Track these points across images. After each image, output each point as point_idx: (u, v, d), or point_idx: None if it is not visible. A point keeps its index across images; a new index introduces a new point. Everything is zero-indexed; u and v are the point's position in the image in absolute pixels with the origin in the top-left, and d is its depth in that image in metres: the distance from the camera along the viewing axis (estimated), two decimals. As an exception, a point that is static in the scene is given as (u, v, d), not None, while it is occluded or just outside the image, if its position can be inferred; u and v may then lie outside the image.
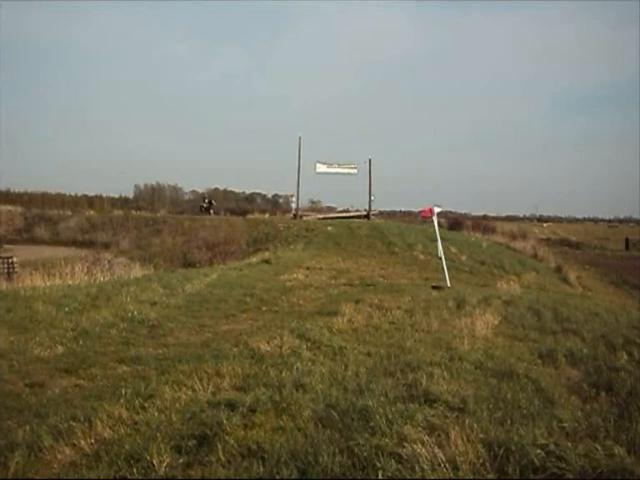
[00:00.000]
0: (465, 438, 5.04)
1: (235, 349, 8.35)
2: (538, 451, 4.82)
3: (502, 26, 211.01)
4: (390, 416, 5.44)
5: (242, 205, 79.51)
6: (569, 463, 4.68)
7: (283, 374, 6.97)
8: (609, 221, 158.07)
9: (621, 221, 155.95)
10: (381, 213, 52.00)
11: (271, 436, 5.16)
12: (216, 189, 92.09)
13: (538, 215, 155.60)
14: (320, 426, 5.36)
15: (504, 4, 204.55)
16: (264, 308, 13.04)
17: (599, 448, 4.98)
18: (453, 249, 28.91)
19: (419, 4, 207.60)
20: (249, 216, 51.68)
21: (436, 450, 4.73)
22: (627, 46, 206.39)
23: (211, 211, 51.77)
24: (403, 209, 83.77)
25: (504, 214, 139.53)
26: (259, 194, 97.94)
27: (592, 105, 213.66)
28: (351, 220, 41.00)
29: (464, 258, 27.87)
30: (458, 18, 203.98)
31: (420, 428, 5.25)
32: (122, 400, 6.08)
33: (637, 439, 5.34)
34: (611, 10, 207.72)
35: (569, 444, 5.04)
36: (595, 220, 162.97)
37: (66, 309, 11.16)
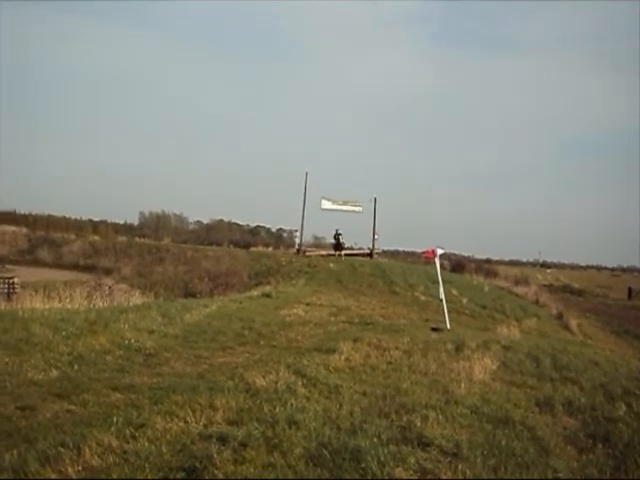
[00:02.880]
0: (457, 484, 4.98)
1: (230, 382, 8.29)
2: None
3: (508, 71, 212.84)
4: (382, 458, 5.38)
5: (246, 237, 79.71)
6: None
7: (277, 410, 6.90)
8: (612, 269, 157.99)
9: (624, 270, 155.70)
10: (384, 252, 51.96)
11: (260, 472, 5.10)
12: (221, 220, 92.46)
13: (541, 261, 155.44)
14: (311, 464, 5.30)
15: (511, 50, 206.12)
16: (262, 342, 12.99)
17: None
18: (454, 291, 28.84)
19: (427, 50, 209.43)
20: (252, 249, 51.73)
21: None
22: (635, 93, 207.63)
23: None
24: (406, 249, 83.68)
25: (507, 258, 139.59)
26: (263, 227, 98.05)
27: (598, 152, 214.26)
28: (354, 258, 40.99)
29: (465, 301, 27.78)
30: (467, 63, 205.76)
31: (412, 471, 5.20)
32: (113, 428, 6.03)
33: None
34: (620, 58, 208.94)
35: None
36: (598, 268, 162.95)
37: (63, 333, 11.11)
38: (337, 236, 42.39)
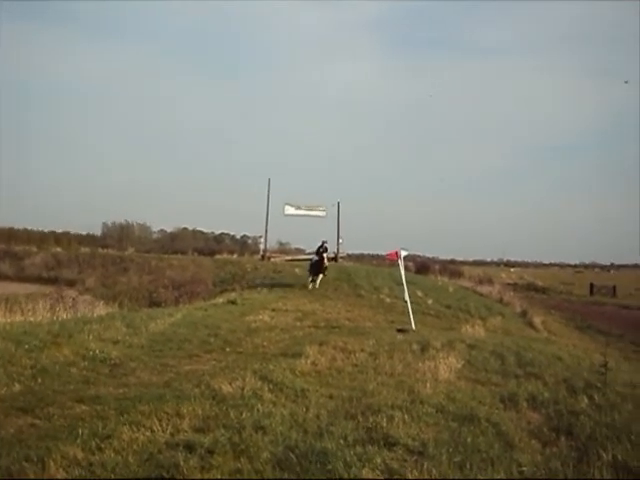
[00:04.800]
0: (423, 482, 5.04)
1: (196, 390, 8.26)
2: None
3: (475, 75, 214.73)
4: (348, 459, 5.43)
5: (211, 245, 79.23)
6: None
7: (243, 415, 6.91)
8: (575, 266, 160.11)
9: (586, 266, 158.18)
10: (349, 256, 52.00)
11: (228, 478, 5.11)
12: (185, 229, 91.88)
13: (505, 260, 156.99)
14: (278, 469, 5.32)
15: (479, 54, 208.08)
16: (228, 349, 12.96)
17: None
18: (419, 293, 29.00)
19: (392, 55, 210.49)
20: (217, 256, 51.53)
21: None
22: (596, 99, 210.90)
23: None
24: (371, 252, 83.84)
25: (472, 258, 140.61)
26: (228, 235, 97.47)
27: (563, 154, 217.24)
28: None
29: (430, 302, 27.95)
30: (433, 67, 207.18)
31: (378, 472, 5.25)
32: (78, 440, 5.97)
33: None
34: (589, 62, 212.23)
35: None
36: (561, 265, 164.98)
37: (26, 346, 10.95)
38: (323, 248, 30.68)
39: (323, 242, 31.14)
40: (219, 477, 5.13)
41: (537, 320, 31.32)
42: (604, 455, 6.13)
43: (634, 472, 5.76)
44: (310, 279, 29.95)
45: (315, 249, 31.68)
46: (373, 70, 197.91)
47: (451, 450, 5.99)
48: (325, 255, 30.23)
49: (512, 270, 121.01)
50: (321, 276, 29.88)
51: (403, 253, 18.29)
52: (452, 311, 27.09)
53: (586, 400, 8.53)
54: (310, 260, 31.59)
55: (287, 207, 44.71)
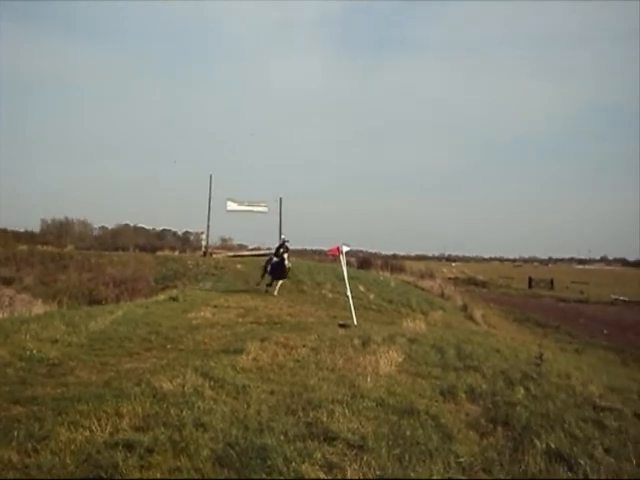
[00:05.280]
0: (362, 475, 5.10)
1: (137, 388, 8.16)
2: (434, 487, 4.94)
3: (416, 72, 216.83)
4: (288, 454, 5.46)
5: (152, 241, 78.24)
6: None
7: (184, 413, 6.87)
8: (514, 260, 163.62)
9: (526, 260, 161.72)
10: (291, 252, 52.08)
11: (167, 477, 5.09)
12: (126, 225, 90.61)
13: (447, 255, 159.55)
14: (217, 466, 5.32)
15: (419, 51, 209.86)
16: (169, 346, 12.84)
17: (492, 483, 5.15)
18: (361, 288, 29.20)
19: (334, 52, 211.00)
20: (159, 253, 50.90)
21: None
22: (536, 100, 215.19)
23: None
24: (314, 248, 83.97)
25: (414, 253, 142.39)
26: (170, 231, 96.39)
27: (505, 152, 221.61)
28: (261, 258, 41.00)
29: (372, 296, 28.15)
30: (373, 64, 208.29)
31: (318, 466, 5.29)
32: (13, 443, 5.86)
33: (529, 471, 5.53)
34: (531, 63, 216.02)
35: (464, 479, 5.18)
36: (501, 260, 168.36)
37: (-40, 348, 10.73)
38: (284, 247, 26.57)
39: (284, 240, 27.43)
40: (158, 476, 5.11)
41: (477, 313, 31.89)
42: (538, 444, 6.32)
43: (566, 459, 5.93)
44: (266, 283, 26.39)
45: (274, 248, 29.05)
46: (318, 68, 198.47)
47: (390, 443, 6.08)
48: (287, 255, 26.22)
49: (453, 265, 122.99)
50: (281, 281, 26.08)
51: (345, 248, 18.39)
52: (394, 306, 27.33)
53: (522, 391, 8.78)
54: (267, 261, 27.44)
55: (229, 203, 44.62)
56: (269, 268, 26.52)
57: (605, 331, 34.63)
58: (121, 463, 5.27)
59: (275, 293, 25.40)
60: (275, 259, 26.55)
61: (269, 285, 26.16)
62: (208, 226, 44.92)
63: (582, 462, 5.86)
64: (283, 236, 28.37)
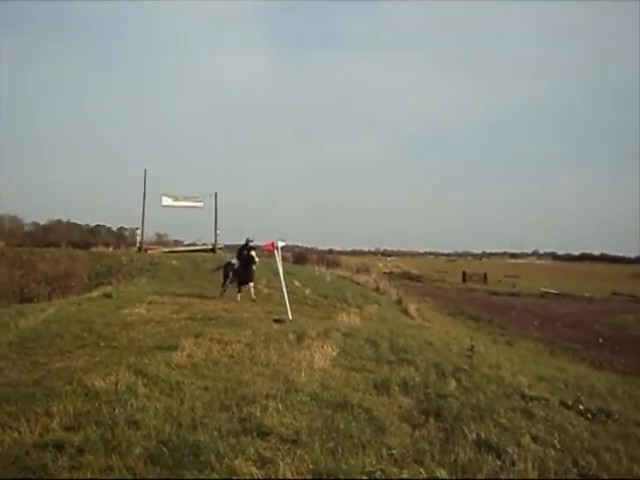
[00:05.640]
0: (295, 470, 5.14)
1: (68, 387, 8.03)
2: (365, 478, 5.00)
3: (348, 68, 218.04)
4: (221, 450, 5.47)
5: (86, 237, 76.91)
6: (393, 488, 4.90)
7: (116, 411, 6.80)
8: (448, 255, 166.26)
9: (460, 255, 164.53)
10: (227, 247, 51.84)
11: (98, 477, 5.04)
12: (59, 221, 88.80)
13: (382, 249, 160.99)
14: (150, 464, 5.30)
15: (351, 48, 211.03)
16: (102, 343, 12.66)
17: (423, 472, 5.25)
18: (297, 283, 29.27)
19: (266, 48, 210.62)
20: (93, 249, 50.04)
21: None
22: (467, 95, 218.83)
23: None
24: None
25: (350, 248, 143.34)
26: (104, 226, 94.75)
27: (433, 146, 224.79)
28: (197, 254, 40.74)
29: (308, 291, 28.23)
30: (306, 60, 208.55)
31: (251, 461, 5.31)
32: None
33: (459, 461, 5.65)
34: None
35: (395, 470, 5.26)
36: (436, 254, 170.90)
37: None
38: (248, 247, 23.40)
39: (248, 240, 23.76)
40: (89, 476, 5.05)
41: (412, 307, 32.25)
42: (468, 434, 6.46)
43: (495, 448, 6.08)
44: (222, 284, 23.84)
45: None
46: (248, 63, 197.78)
47: (324, 437, 6.13)
48: (254, 254, 23.08)
49: (389, 259, 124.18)
50: (252, 284, 23.25)
51: (280, 244, 18.43)
52: (329, 300, 27.44)
53: (454, 383, 8.96)
54: (226, 265, 24.42)
55: (164, 198, 44.15)
56: (230, 274, 23.61)
57: (535, 323, 35.50)
58: (50, 464, 5.19)
59: (253, 297, 22.54)
60: (234, 262, 23.81)
61: (223, 286, 23.65)
62: (143, 221, 44.33)
63: (510, 450, 6.02)
64: (248, 236, 24.19)
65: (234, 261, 23.86)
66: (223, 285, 23.81)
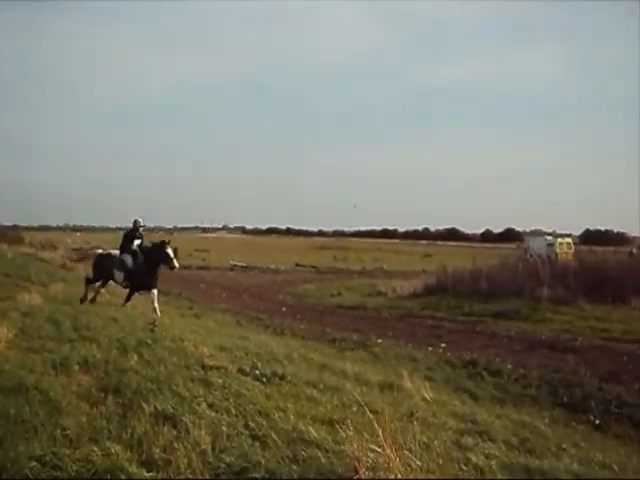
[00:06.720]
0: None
1: None
2: (33, 464, 4.91)
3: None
4: None
5: None
6: (64, 470, 4.86)
7: None
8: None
9: (152, 230, 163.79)
10: None
11: None
12: None
13: (72, 225, 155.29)
14: None
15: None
16: None
17: (97, 450, 5.24)
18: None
19: None
20: None
21: None
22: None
23: None
24: None
25: (37, 224, 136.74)
26: None
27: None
28: None
29: (-15, 271, 26.50)
30: None
31: None
32: None
33: (135, 435, 5.73)
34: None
35: (68, 451, 5.20)
36: (123, 229, 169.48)
37: None
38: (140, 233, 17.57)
39: (136, 221, 17.80)
40: None
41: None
42: (146, 407, 6.55)
43: (171, 418, 6.25)
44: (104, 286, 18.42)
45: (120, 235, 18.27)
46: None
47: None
48: (169, 251, 16.99)
49: (78, 235, 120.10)
50: (156, 292, 17.23)
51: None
52: (11, 279, 25.92)
53: (136, 357, 9.05)
54: (101, 261, 18.05)
55: None
56: (122, 274, 17.28)
57: (224, 295, 36.65)
58: None
59: (158, 313, 16.04)
60: (126, 257, 17.18)
61: (87, 293, 17.76)
62: None
63: (185, 419, 6.21)
64: (137, 217, 17.86)
65: (125, 256, 17.20)
66: (100, 286, 18.21)
